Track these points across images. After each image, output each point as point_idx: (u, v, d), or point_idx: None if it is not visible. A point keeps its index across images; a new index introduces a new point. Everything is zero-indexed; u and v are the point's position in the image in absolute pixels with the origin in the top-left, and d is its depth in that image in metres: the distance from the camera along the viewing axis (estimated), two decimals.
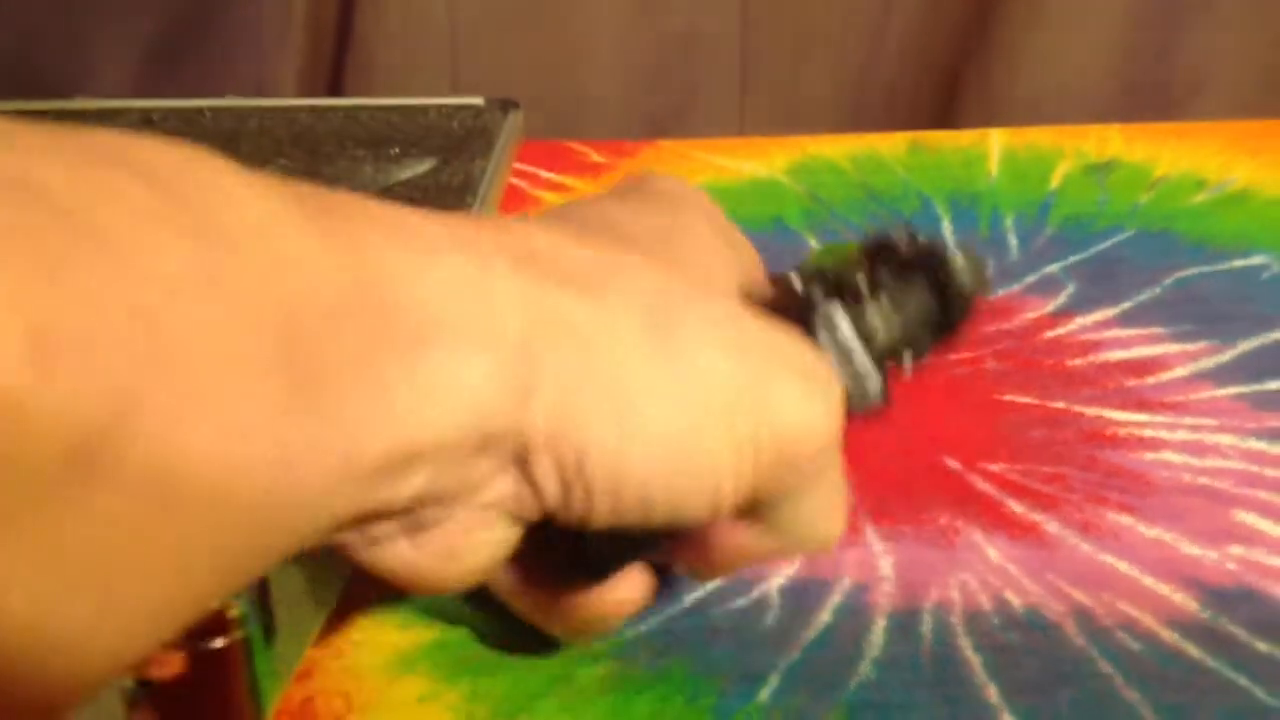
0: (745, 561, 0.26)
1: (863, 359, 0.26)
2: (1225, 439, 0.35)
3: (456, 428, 0.20)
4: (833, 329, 0.26)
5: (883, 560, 0.31)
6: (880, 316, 0.26)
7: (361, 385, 0.19)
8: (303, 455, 0.18)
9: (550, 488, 0.22)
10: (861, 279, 0.26)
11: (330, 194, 0.21)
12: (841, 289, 0.26)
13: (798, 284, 0.26)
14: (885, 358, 0.26)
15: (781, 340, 0.24)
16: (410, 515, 0.22)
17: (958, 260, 0.27)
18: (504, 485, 0.22)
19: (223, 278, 0.17)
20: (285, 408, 0.18)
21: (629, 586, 0.26)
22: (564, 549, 0.25)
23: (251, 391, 0.17)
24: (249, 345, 0.17)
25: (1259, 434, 0.35)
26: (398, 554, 0.22)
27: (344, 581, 0.30)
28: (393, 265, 0.20)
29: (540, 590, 0.26)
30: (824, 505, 0.25)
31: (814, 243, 0.44)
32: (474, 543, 0.23)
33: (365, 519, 0.21)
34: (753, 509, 0.24)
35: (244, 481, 0.17)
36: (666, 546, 0.25)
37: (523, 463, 0.22)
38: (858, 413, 0.26)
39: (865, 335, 0.26)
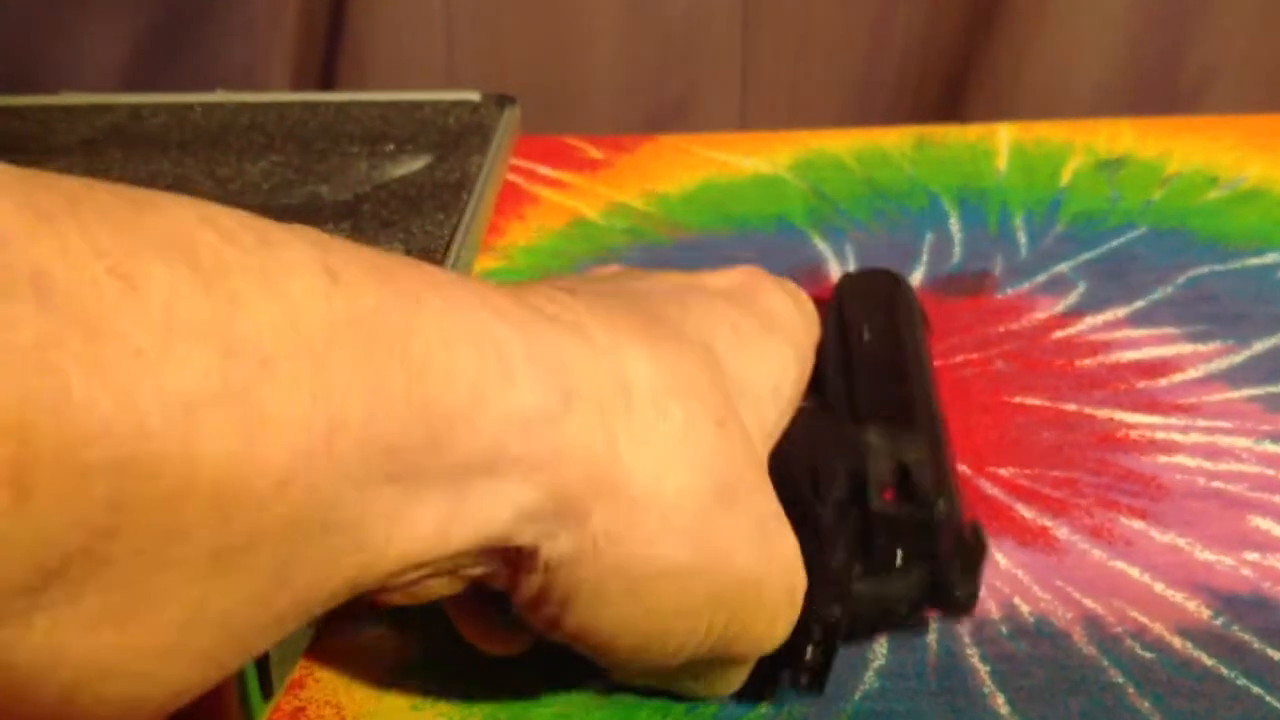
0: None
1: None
2: (1240, 442, 0.34)
3: (481, 539, 0.21)
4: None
5: None
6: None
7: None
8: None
9: (525, 594, 0.22)
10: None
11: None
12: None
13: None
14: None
15: (792, 555, 0.25)
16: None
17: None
18: (486, 570, 0.22)
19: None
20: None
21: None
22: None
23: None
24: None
25: (1274, 437, 0.34)
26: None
27: None
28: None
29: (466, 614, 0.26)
30: (727, 684, 0.26)
31: (818, 240, 0.44)
32: (430, 592, 0.22)
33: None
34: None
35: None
36: None
37: (514, 568, 0.22)
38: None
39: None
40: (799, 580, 0.25)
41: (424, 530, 0.20)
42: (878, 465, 0.27)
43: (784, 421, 0.28)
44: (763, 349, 0.27)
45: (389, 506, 0.19)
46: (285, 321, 0.18)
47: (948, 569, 0.26)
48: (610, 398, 0.22)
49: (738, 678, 0.26)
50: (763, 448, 0.26)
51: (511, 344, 0.21)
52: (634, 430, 0.22)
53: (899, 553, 0.26)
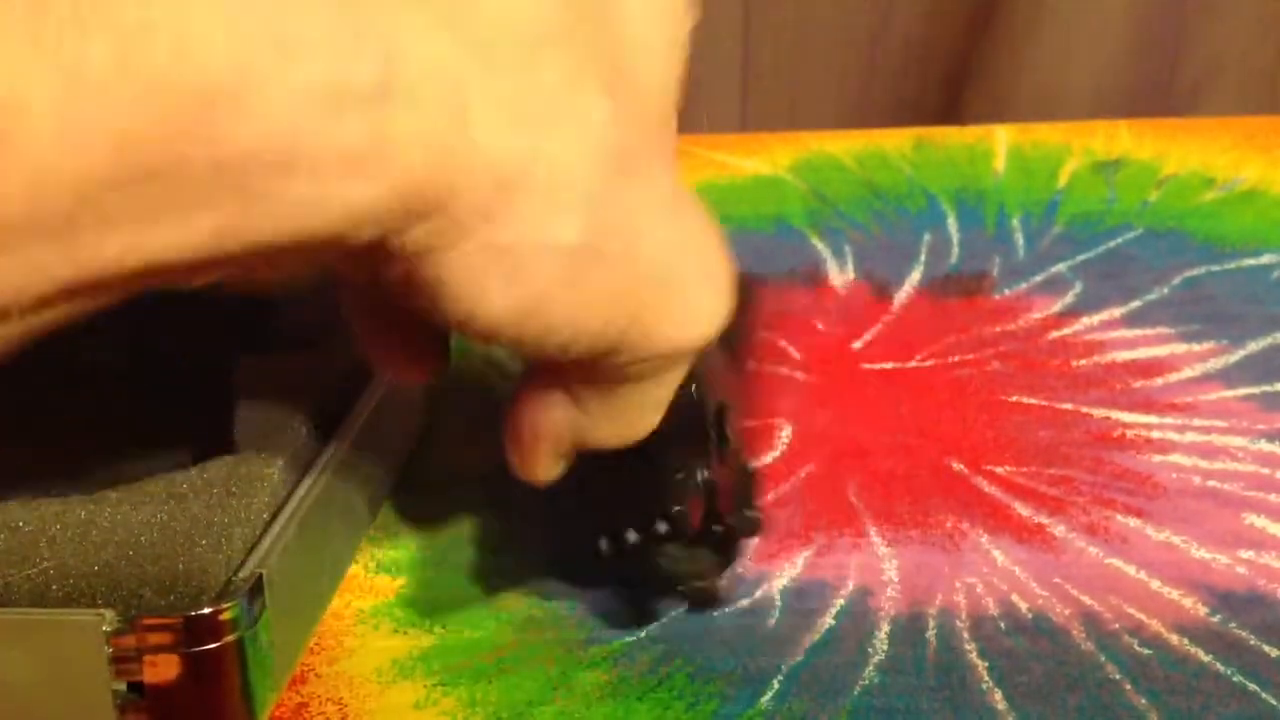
0: (542, 440, 0.24)
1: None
2: (1235, 441, 0.34)
3: (286, 243, 0.18)
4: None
5: (887, 564, 0.30)
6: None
7: None
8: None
9: (389, 281, 0.19)
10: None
11: None
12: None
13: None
14: None
15: (709, 235, 0.21)
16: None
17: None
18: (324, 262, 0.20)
19: None
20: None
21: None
22: None
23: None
24: None
25: (1269, 436, 0.35)
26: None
27: (338, 586, 0.30)
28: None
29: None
30: (653, 403, 0.23)
31: (817, 241, 0.44)
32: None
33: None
34: (589, 376, 0.22)
35: None
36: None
37: (364, 260, 0.19)
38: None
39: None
40: (719, 266, 0.21)
41: (182, 241, 0.17)
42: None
43: (680, 80, 0.23)
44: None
45: (111, 214, 0.16)
46: None
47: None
48: (455, 58, 0.18)
49: (651, 396, 0.23)
50: (664, 109, 0.21)
51: (302, 3, 0.17)
52: (493, 96, 0.18)
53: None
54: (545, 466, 0.25)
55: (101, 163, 0.16)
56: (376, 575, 0.30)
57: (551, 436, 0.24)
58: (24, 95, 0.15)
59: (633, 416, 0.23)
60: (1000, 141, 0.49)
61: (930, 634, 0.28)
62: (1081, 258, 0.43)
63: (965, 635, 0.28)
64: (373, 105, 0.17)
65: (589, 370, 0.22)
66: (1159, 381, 0.37)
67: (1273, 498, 0.32)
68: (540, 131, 0.19)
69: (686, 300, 0.21)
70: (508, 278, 0.19)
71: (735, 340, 0.32)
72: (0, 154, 0.15)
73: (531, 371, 0.24)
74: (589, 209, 0.19)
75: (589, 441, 0.24)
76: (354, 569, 0.30)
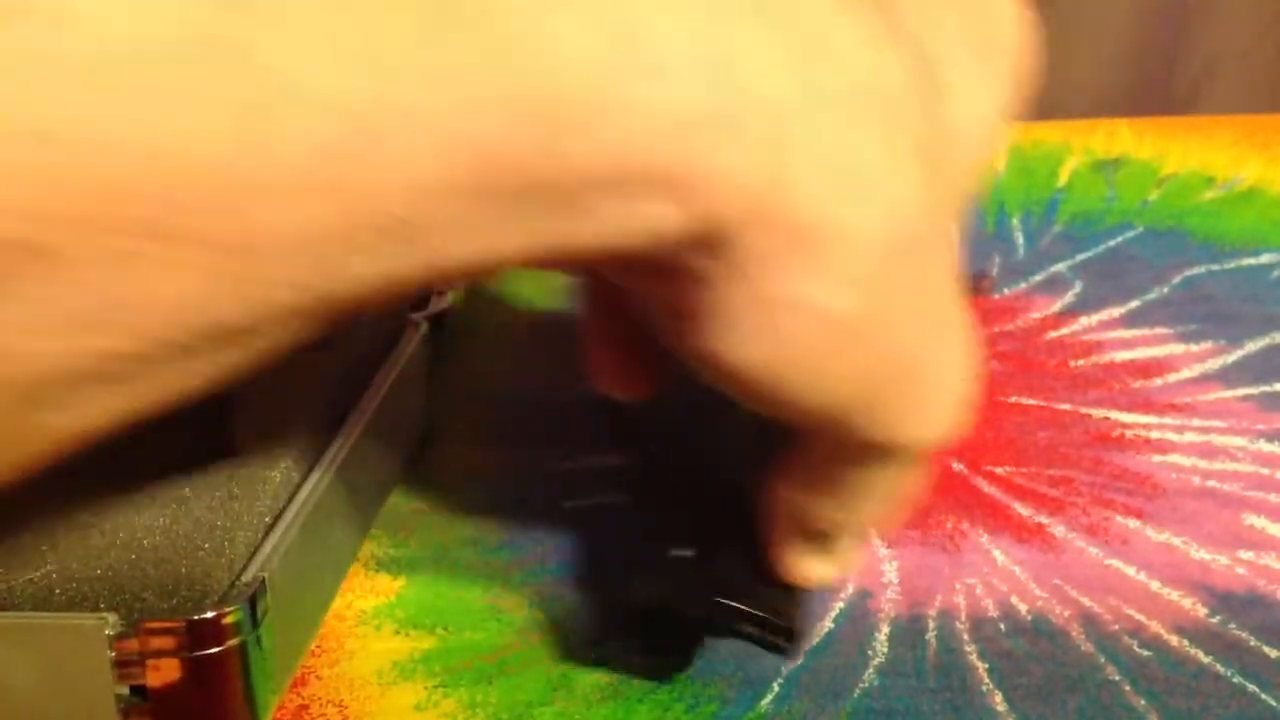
0: (778, 520, 0.24)
1: None
2: (1234, 441, 0.35)
3: (591, 256, 0.17)
4: None
5: (887, 565, 0.30)
6: None
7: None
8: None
9: (653, 297, 0.19)
10: None
11: None
12: None
13: None
14: None
15: (967, 343, 0.20)
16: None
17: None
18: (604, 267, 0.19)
19: None
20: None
21: None
22: None
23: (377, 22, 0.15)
24: None
25: (1269, 436, 0.35)
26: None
27: (339, 587, 0.30)
28: None
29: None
30: (876, 492, 0.22)
31: None
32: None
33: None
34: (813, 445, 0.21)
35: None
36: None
37: (642, 272, 0.19)
38: None
39: None
40: (966, 376, 0.21)
41: (508, 247, 0.16)
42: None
43: (977, 181, 0.22)
44: (982, 75, 0.21)
45: (498, 226, 0.16)
46: None
47: None
48: (789, 98, 0.17)
49: (875, 485, 0.22)
50: (960, 198, 0.21)
51: (659, 18, 0.16)
52: (816, 146, 0.17)
53: None
54: (795, 553, 0.24)
55: (463, 173, 0.15)
56: (377, 576, 0.30)
57: (783, 515, 0.24)
58: (411, 100, 0.15)
59: (855, 502, 0.23)
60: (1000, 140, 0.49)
61: (930, 636, 0.28)
62: (1081, 257, 0.43)
63: (965, 637, 0.28)
64: (706, 131, 0.17)
65: (812, 439, 0.22)
66: (1158, 381, 0.37)
67: (1272, 498, 0.32)
68: (849, 195, 0.18)
69: (927, 399, 0.20)
70: (766, 331, 0.18)
71: None
72: (384, 156, 0.15)
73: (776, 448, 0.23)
74: (869, 285, 0.18)
75: (812, 520, 0.23)
76: (355, 570, 0.30)
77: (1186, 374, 0.37)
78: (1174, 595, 0.30)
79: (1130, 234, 0.44)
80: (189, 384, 0.17)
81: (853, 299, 0.18)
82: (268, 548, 0.26)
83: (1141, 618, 0.29)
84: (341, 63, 0.14)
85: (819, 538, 0.24)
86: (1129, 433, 0.35)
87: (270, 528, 0.26)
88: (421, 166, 0.15)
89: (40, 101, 0.13)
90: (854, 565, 0.24)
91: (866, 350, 0.19)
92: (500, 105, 0.15)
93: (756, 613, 0.25)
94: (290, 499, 0.27)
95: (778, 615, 0.25)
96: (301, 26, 0.14)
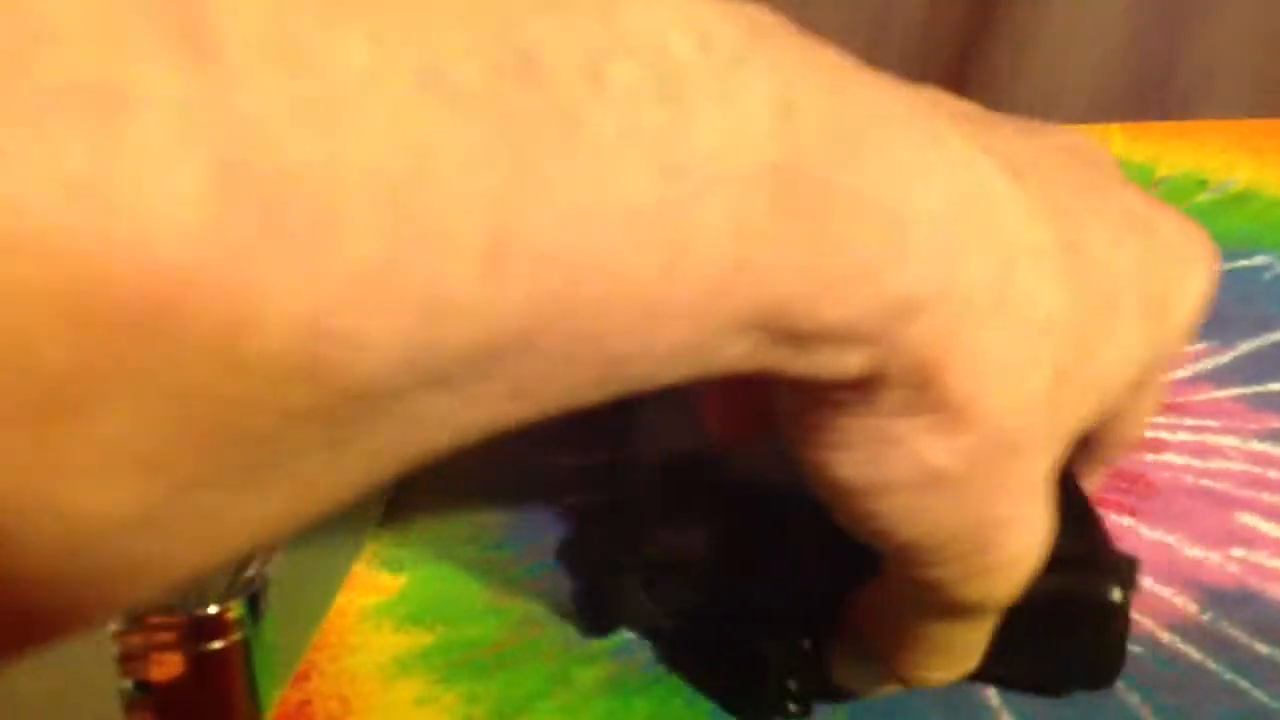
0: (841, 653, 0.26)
1: None
2: (1227, 440, 0.35)
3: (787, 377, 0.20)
4: None
5: None
6: None
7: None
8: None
9: (793, 418, 0.21)
10: None
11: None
12: None
13: None
14: None
15: (1044, 534, 0.23)
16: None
17: None
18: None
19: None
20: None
21: None
22: None
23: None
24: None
25: (1261, 435, 0.35)
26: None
27: (342, 584, 0.30)
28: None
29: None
30: (945, 647, 0.25)
31: None
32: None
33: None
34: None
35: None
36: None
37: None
38: None
39: None
40: (1030, 563, 0.23)
41: (742, 366, 0.19)
42: None
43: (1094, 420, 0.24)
44: (1142, 330, 0.23)
45: (734, 349, 0.18)
46: (728, 152, 0.17)
47: None
48: (982, 302, 0.20)
49: (945, 638, 0.24)
50: (1070, 429, 0.23)
51: (920, 223, 0.19)
52: (982, 342, 0.20)
53: None
54: (845, 665, 0.26)
55: (756, 316, 0.18)
56: (379, 574, 0.31)
57: (850, 636, 0.26)
58: (761, 260, 0.17)
59: (912, 649, 0.25)
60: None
61: None
62: None
63: None
64: (915, 312, 0.19)
65: (889, 572, 0.24)
66: None
67: (1264, 496, 0.33)
68: (992, 389, 0.20)
69: (992, 568, 0.22)
70: (877, 462, 0.21)
71: None
72: (724, 301, 0.17)
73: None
74: (973, 459, 0.21)
75: (872, 651, 0.25)
76: (357, 567, 0.31)
77: (1180, 374, 0.37)
78: (1166, 592, 0.30)
79: None
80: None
81: (956, 464, 0.21)
82: (269, 544, 0.26)
83: (1134, 615, 0.29)
84: (729, 230, 0.17)
85: (876, 668, 0.26)
86: None
87: None
88: (740, 312, 0.18)
89: (588, 242, 0.16)
90: (888, 693, 0.26)
91: (954, 507, 0.21)
92: (803, 273, 0.18)
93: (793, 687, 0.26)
94: None
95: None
96: (717, 209, 0.17)
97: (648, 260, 0.16)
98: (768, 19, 0.19)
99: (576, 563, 0.29)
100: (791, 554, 0.26)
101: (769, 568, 0.26)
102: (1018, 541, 0.22)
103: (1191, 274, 0.25)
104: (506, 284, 0.15)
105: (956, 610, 0.23)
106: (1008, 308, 0.20)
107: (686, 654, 0.28)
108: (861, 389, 0.20)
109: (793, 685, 0.26)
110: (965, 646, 0.25)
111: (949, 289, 0.20)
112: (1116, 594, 0.25)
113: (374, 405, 0.15)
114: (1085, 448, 0.28)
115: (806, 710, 0.26)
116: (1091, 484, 0.29)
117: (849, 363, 0.20)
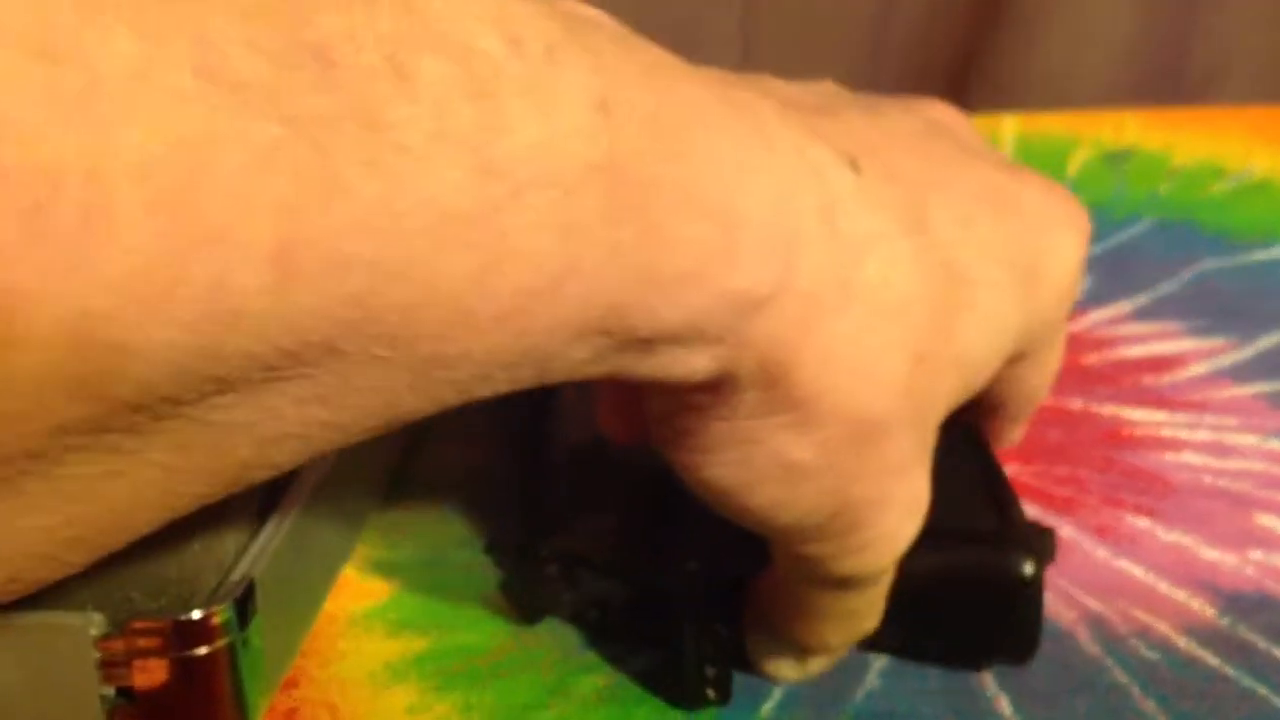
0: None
1: None
2: (1246, 439, 0.34)
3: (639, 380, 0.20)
4: None
5: None
6: None
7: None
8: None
9: (661, 415, 0.22)
10: None
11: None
12: None
13: None
14: None
15: (917, 507, 0.23)
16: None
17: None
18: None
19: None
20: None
21: None
22: None
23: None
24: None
25: None
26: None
27: (331, 588, 0.29)
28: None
29: None
30: (820, 613, 0.25)
31: None
32: None
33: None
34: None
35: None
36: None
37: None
38: None
39: None
40: (902, 538, 0.23)
41: (589, 371, 0.19)
42: None
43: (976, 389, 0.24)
44: (1009, 291, 0.23)
45: (575, 353, 0.18)
46: (545, 152, 0.16)
47: None
48: (827, 295, 0.20)
49: (830, 604, 0.25)
50: (942, 408, 0.23)
51: (750, 219, 0.19)
52: (830, 336, 0.20)
53: None
54: (764, 650, 0.27)
55: (592, 322, 0.18)
56: (370, 579, 0.30)
57: (756, 618, 0.26)
58: (585, 264, 0.17)
59: (813, 621, 0.25)
60: (1007, 131, 0.49)
61: None
62: (1090, 251, 0.42)
63: None
64: (755, 311, 0.19)
65: (777, 553, 0.24)
66: (1169, 378, 0.36)
67: None
68: (843, 381, 0.21)
69: (866, 545, 0.23)
70: (742, 462, 0.21)
71: None
72: (554, 307, 0.17)
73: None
74: (831, 448, 0.21)
75: (779, 631, 0.26)
76: (347, 571, 0.30)
77: (1198, 370, 0.37)
78: (1182, 596, 0.29)
79: (1140, 227, 0.43)
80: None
81: (817, 457, 0.21)
82: (257, 547, 0.25)
83: (1150, 619, 0.28)
84: (563, 232, 0.17)
85: (787, 645, 0.26)
86: (1139, 430, 0.34)
87: (260, 527, 0.26)
88: (569, 316, 0.18)
89: (391, 247, 0.16)
90: (816, 672, 0.27)
91: (821, 495, 0.22)
92: (635, 274, 0.18)
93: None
94: (281, 498, 0.27)
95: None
96: (540, 212, 0.17)
97: (459, 265, 0.16)
98: (586, 14, 0.19)
99: (500, 553, 0.30)
100: (699, 542, 0.26)
101: (679, 556, 0.26)
102: (888, 519, 0.23)
103: (1060, 238, 0.25)
104: (297, 289, 0.14)
105: (841, 583, 0.24)
106: (856, 298, 0.20)
107: (612, 642, 0.28)
108: (716, 391, 0.20)
109: (710, 672, 0.26)
110: (857, 613, 0.25)
111: (788, 284, 0.20)
112: (1028, 568, 0.25)
113: (155, 414, 0.15)
114: (992, 410, 0.28)
115: (725, 696, 0.26)
116: (1010, 440, 0.29)
117: (696, 364, 0.20)
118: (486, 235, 0.16)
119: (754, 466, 0.21)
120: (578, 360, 0.19)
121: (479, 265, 0.16)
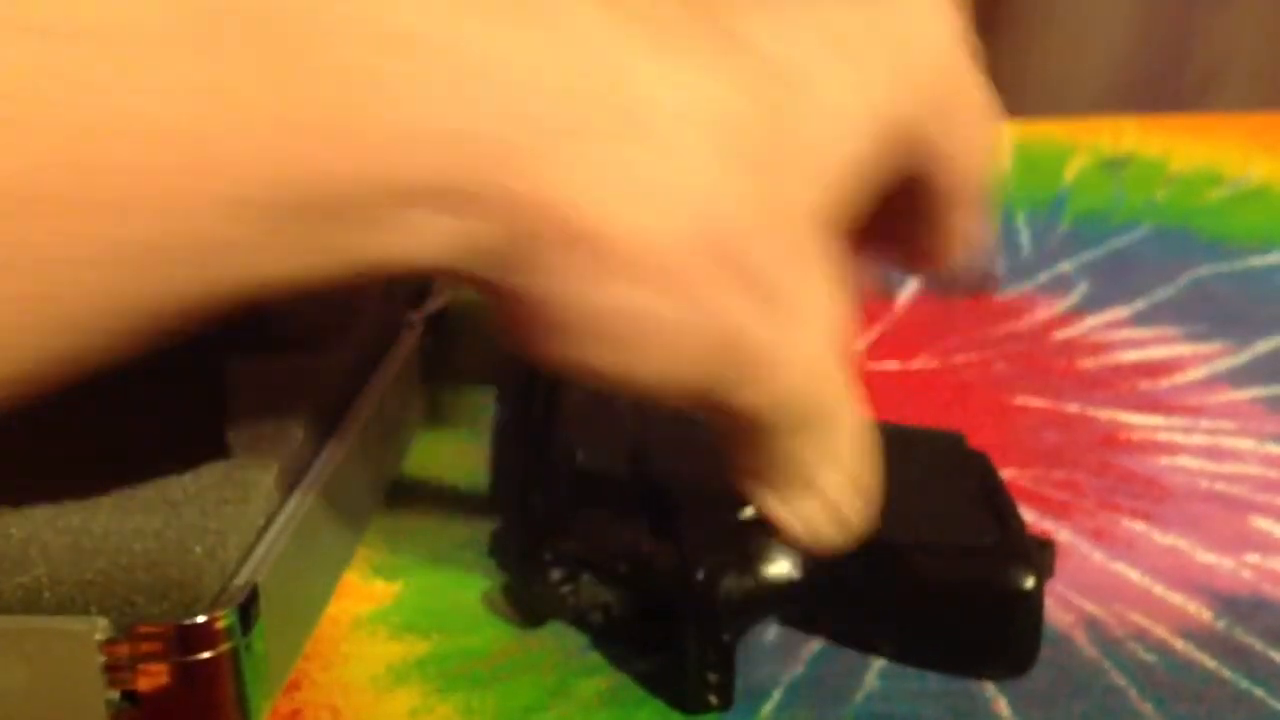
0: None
1: None
2: (1242, 443, 0.34)
3: (399, 267, 0.18)
4: None
5: None
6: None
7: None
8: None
9: (491, 306, 0.20)
10: None
11: None
12: None
13: None
14: None
15: (824, 329, 0.22)
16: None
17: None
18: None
19: None
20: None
21: None
22: None
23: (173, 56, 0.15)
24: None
25: (1277, 438, 0.34)
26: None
27: (334, 592, 0.29)
28: None
29: None
30: (780, 458, 0.24)
31: None
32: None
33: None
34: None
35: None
36: None
37: (470, 283, 0.20)
38: None
39: None
40: (813, 350, 0.22)
41: (299, 265, 0.17)
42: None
43: (848, 208, 0.23)
44: (849, 71, 0.22)
45: (281, 238, 0.17)
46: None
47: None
48: (601, 120, 0.18)
49: (799, 447, 0.23)
50: (807, 199, 0.21)
51: (460, 47, 0.17)
52: (630, 164, 0.19)
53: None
54: (769, 503, 0.25)
55: (255, 191, 0.16)
56: (372, 580, 0.30)
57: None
58: (203, 124, 0.16)
59: (791, 471, 0.24)
60: (1005, 137, 0.49)
61: None
62: (1087, 257, 0.42)
63: None
64: (508, 156, 0.18)
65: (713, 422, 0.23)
66: (1165, 383, 0.37)
67: (1279, 501, 0.32)
68: (644, 206, 0.19)
69: (776, 371, 0.21)
70: (604, 337, 0.20)
71: None
72: (191, 179, 0.16)
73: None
74: (680, 281, 0.20)
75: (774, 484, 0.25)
76: (350, 574, 0.30)
77: (1195, 375, 0.37)
78: (1179, 599, 0.29)
79: (1137, 233, 0.43)
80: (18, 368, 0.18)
81: (667, 301, 0.19)
82: (260, 551, 0.25)
83: (1147, 622, 0.28)
84: (164, 93, 0.15)
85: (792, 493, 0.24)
86: (1136, 434, 0.35)
87: (263, 531, 0.26)
88: (218, 187, 0.16)
89: None
90: (850, 520, 0.25)
91: (699, 337, 0.20)
92: (276, 126, 0.16)
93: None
94: (283, 502, 0.27)
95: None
96: (135, 60, 0.15)
97: (45, 143, 0.15)
98: None
99: (502, 556, 0.30)
100: (703, 547, 0.26)
101: (682, 562, 0.26)
102: (789, 332, 0.21)
103: (924, 19, 0.24)
104: None
105: (763, 426, 0.22)
106: (651, 127, 0.19)
107: (614, 645, 0.28)
108: (517, 269, 0.19)
109: (712, 678, 0.26)
110: (801, 462, 0.23)
111: (530, 119, 0.18)
112: (1029, 582, 0.25)
113: None
114: (934, 204, 0.27)
115: (727, 703, 0.26)
116: (966, 233, 0.27)
117: (441, 230, 0.18)
118: (67, 108, 0.15)
119: (620, 335, 0.20)
120: (261, 248, 0.17)
121: (67, 140, 0.15)
